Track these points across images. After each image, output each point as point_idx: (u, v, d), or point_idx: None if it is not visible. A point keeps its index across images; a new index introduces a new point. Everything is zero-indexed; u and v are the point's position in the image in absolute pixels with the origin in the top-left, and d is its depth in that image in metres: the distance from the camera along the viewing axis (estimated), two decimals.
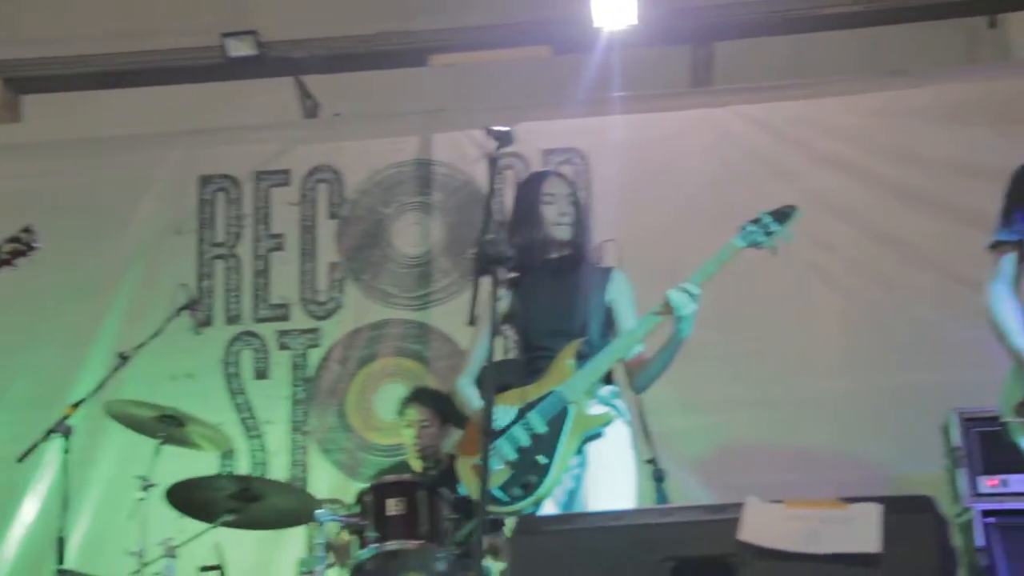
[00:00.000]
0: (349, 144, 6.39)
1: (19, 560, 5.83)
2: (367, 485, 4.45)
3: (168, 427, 4.86)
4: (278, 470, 5.91)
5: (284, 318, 6.18)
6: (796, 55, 6.43)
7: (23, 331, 5.76)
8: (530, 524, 3.12)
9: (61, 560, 4.82)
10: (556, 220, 4.02)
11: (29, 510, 5.89)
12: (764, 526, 2.57)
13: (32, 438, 4.97)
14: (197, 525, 4.69)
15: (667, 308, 3.71)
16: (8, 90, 6.77)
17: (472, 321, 3.78)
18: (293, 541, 5.49)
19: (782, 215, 3.74)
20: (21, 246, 3.13)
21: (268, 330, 6.18)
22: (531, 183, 4.18)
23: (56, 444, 4.99)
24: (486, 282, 3.83)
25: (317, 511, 4.41)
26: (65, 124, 6.72)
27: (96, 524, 5.78)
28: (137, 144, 6.51)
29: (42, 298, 5.83)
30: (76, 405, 5.04)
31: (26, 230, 3.16)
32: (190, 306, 5.43)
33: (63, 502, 4.95)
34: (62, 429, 4.91)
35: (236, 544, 4.79)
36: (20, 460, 4.96)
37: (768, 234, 3.72)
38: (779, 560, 2.52)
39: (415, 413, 5.20)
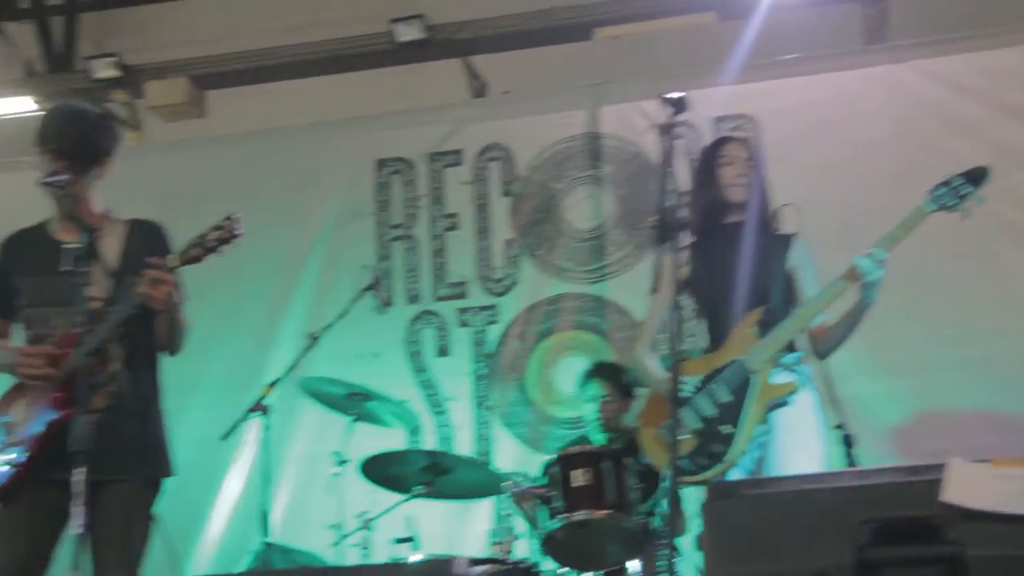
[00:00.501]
0: (518, 121, 6.43)
1: (228, 534, 6.04)
2: (553, 456, 4.45)
3: (358, 404, 5.02)
4: (464, 445, 6.00)
5: (462, 296, 6.28)
6: (971, 5, 6.17)
7: (218, 317, 5.96)
8: (724, 489, 3.09)
9: (266, 533, 5.04)
10: (732, 181, 4.00)
11: (233, 486, 6.09)
12: (969, 487, 2.49)
13: (230, 418, 5.18)
14: (390, 498, 4.83)
15: (854, 274, 3.65)
16: (194, 87, 7.07)
17: (655, 289, 3.79)
18: (481, 513, 5.60)
19: (975, 177, 3.59)
20: (225, 233, 3.26)
21: (448, 308, 6.28)
22: (710, 147, 4.21)
23: (255, 422, 5.22)
24: (666, 250, 3.83)
25: (503, 483, 4.50)
26: (246, 116, 6.99)
27: (296, 498, 5.96)
28: (314, 132, 6.70)
29: (234, 284, 6.04)
30: (272, 385, 5.25)
31: (229, 218, 3.29)
32: (373, 286, 5.59)
33: (265, 478, 5.19)
34: (260, 408, 5.15)
35: (427, 517, 4.89)
36: (224, 438, 5.17)
37: (960, 197, 3.59)
38: (986, 521, 2.44)
39: (597, 388, 5.19)
